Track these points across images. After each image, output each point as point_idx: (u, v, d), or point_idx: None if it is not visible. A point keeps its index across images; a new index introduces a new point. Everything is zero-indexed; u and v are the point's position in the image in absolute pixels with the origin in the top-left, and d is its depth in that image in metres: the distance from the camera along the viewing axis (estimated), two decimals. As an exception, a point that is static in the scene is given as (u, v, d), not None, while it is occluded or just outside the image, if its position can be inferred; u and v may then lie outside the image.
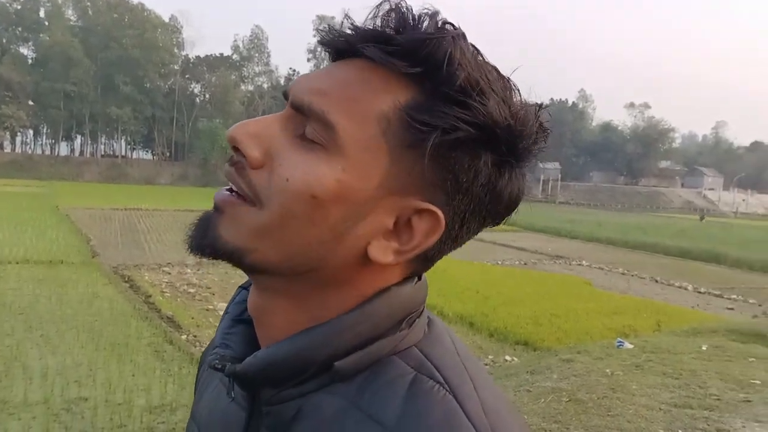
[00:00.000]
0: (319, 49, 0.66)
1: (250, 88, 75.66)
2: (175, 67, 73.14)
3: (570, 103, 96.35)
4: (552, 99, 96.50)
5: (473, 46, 0.57)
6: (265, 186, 0.56)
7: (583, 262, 20.91)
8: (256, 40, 76.09)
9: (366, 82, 0.56)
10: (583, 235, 30.36)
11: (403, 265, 0.60)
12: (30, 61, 68.77)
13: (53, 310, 9.72)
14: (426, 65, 0.54)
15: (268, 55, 76.26)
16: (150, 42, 67.93)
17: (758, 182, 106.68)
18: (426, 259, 0.61)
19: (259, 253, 0.57)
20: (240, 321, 0.68)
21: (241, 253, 0.57)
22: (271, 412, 0.60)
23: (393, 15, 0.56)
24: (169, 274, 13.82)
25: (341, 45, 0.58)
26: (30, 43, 70.32)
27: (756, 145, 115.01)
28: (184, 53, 75.14)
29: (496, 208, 0.60)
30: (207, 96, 74.95)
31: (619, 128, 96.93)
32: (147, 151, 78.22)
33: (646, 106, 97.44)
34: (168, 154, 73.30)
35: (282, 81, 76.80)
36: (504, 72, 0.58)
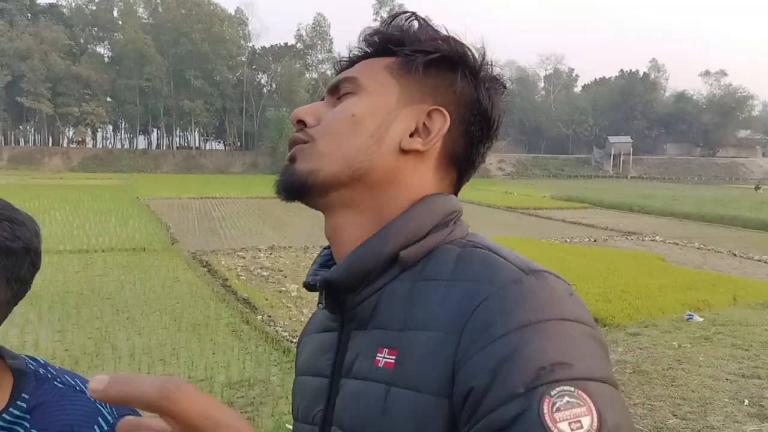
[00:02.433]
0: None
1: (315, 75, 76.27)
2: (242, 59, 74.57)
3: (641, 74, 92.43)
4: (621, 71, 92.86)
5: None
6: (317, 129, 0.80)
7: (657, 237, 20.25)
8: (318, 28, 76.67)
9: (371, 60, 0.83)
10: (657, 209, 29.22)
11: (432, 177, 0.81)
12: (106, 60, 71.64)
13: (138, 294, 10.22)
14: (402, 41, 0.81)
15: (331, 42, 76.70)
16: (217, 35, 69.48)
17: None
18: (450, 166, 0.83)
19: (325, 171, 0.78)
20: (325, 265, 0.86)
21: (313, 175, 0.78)
22: (356, 313, 0.77)
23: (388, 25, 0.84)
24: (244, 258, 14.22)
25: (359, 54, 0.86)
26: (105, 42, 73.22)
27: None
28: (250, 45, 76.60)
29: (483, 116, 0.82)
30: (273, 86, 76.12)
31: (694, 98, 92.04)
32: (219, 142, 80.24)
33: (723, 73, 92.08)
34: (239, 143, 75.02)
35: (345, 67, 76.79)
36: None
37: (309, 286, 0.82)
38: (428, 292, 0.71)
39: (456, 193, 0.86)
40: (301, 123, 0.82)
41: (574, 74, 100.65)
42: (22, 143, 71.23)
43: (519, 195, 37.95)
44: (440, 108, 0.80)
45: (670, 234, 21.00)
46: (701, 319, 6.77)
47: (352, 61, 0.86)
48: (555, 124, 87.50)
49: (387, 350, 0.71)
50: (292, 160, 0.81)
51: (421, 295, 0.72)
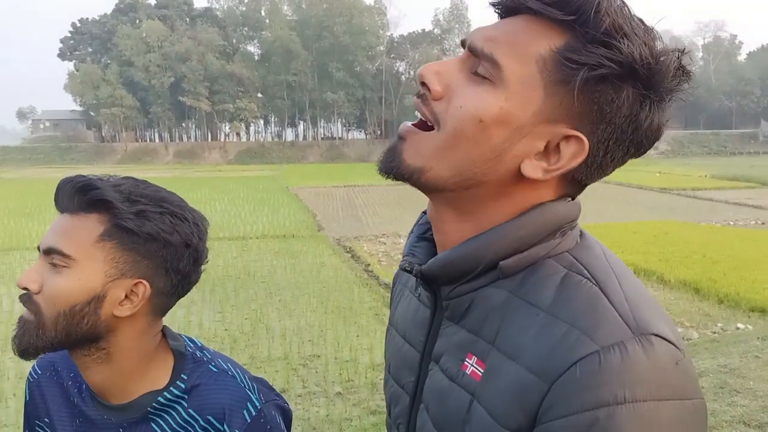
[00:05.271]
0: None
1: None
2: (381, 49, 75.81)
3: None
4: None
5: (621, 0, 0.67)
6: (442, 112, 0.69)
7: (840, 218, 18.05)
8: (456, 11, 76.17)
9: (527, 30, 0.68)
10: (841, 187, 26.10)
11: (554, 186, 0.72)
12: (256, 58, 75.92)
13: (288, 278, 10.77)
14: (578, 13, 0.65)
15: (468, 25, 75.76)
16: (357, 27, 71.11)
17: None
18: (574, 181, 0.73)
19: (434, 172, 0.71)
20: (423, 238, 0.83)
21: (419, 173, 0.71)
22: (450, 305, 0.75)
23: None
24: (385, 244, 14.49)
25: (509, 3, 0.70)
26: (255, 41, 77.63)
27: None
28: (388, 34, 77.70)
29: (637, 138, 0.69)
30: (411, 73, 76.66)
31: None
32: (360, 131, 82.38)
33: None
34: (379, 132, 76.52)
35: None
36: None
37: (405, 270, 0.78)
38: (524, 318, 0.68)
39: (580, 192, 0.76)
40: (426, 87, 0.71)
41: (737, 41, 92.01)
42: (184, 139, 77.56)
43: (675, 175, 35.59)
44: (581, 136, 0.68)
45: None
46: None
47: (506, 6, 0.71)
48: (716, 97, 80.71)
49: (476, 359, 0.70)
50: (401, 138, 0.73)
51: (517, 317, 0.69)
